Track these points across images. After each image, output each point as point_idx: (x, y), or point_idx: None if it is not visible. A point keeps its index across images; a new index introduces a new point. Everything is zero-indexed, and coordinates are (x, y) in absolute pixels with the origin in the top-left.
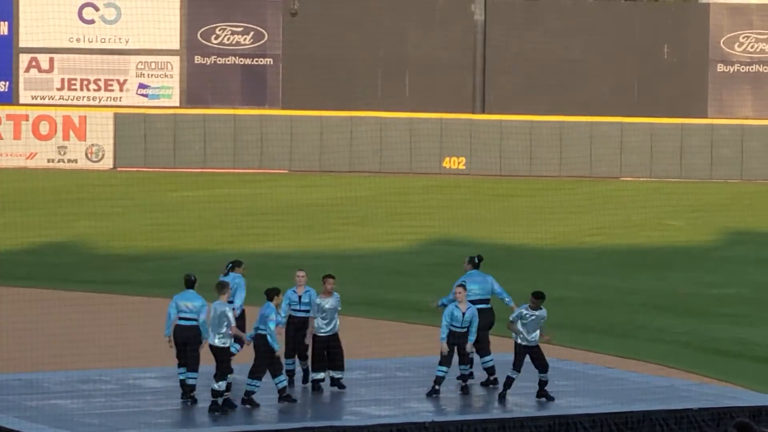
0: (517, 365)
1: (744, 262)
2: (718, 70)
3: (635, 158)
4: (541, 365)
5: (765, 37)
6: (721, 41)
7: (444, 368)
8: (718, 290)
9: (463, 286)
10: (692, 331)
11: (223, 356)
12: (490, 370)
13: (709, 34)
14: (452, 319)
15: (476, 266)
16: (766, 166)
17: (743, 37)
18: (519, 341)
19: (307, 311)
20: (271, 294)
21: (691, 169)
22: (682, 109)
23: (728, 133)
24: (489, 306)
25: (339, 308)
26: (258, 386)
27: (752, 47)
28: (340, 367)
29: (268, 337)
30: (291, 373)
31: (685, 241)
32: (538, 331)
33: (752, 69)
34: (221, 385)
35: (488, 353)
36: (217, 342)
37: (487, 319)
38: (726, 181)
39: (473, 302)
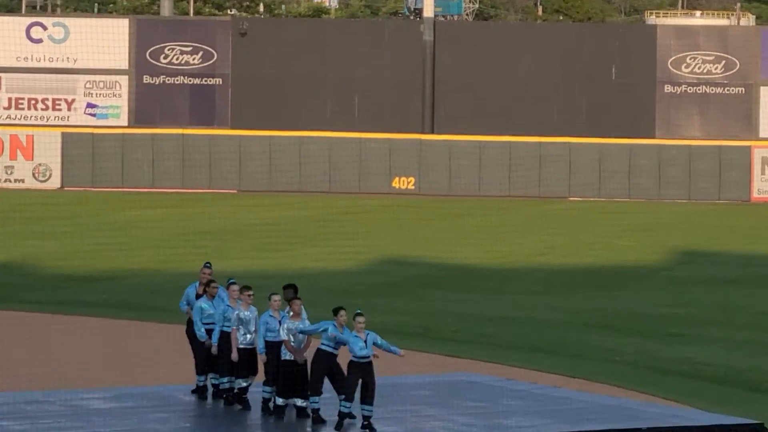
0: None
1: (693, 282)
2: (666, 91)
3: (584, 178)
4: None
5: (712, 58)
6: (669, 62)
7: (348, 404)
8: (667, 310)
9: (361, 314)
10: (641, 351)
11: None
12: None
13: (657, 56)
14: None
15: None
16: (714, 187)
17: (690, 58)
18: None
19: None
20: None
21: (640, 190)
22: (631, 130)
23: (676, 154)
24: None
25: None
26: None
27: (699, 68)
28: (305, 395)
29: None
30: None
31: (634, 261)
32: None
33: (699, 90)
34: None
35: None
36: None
37: None
38: (674, 201)
39: None
